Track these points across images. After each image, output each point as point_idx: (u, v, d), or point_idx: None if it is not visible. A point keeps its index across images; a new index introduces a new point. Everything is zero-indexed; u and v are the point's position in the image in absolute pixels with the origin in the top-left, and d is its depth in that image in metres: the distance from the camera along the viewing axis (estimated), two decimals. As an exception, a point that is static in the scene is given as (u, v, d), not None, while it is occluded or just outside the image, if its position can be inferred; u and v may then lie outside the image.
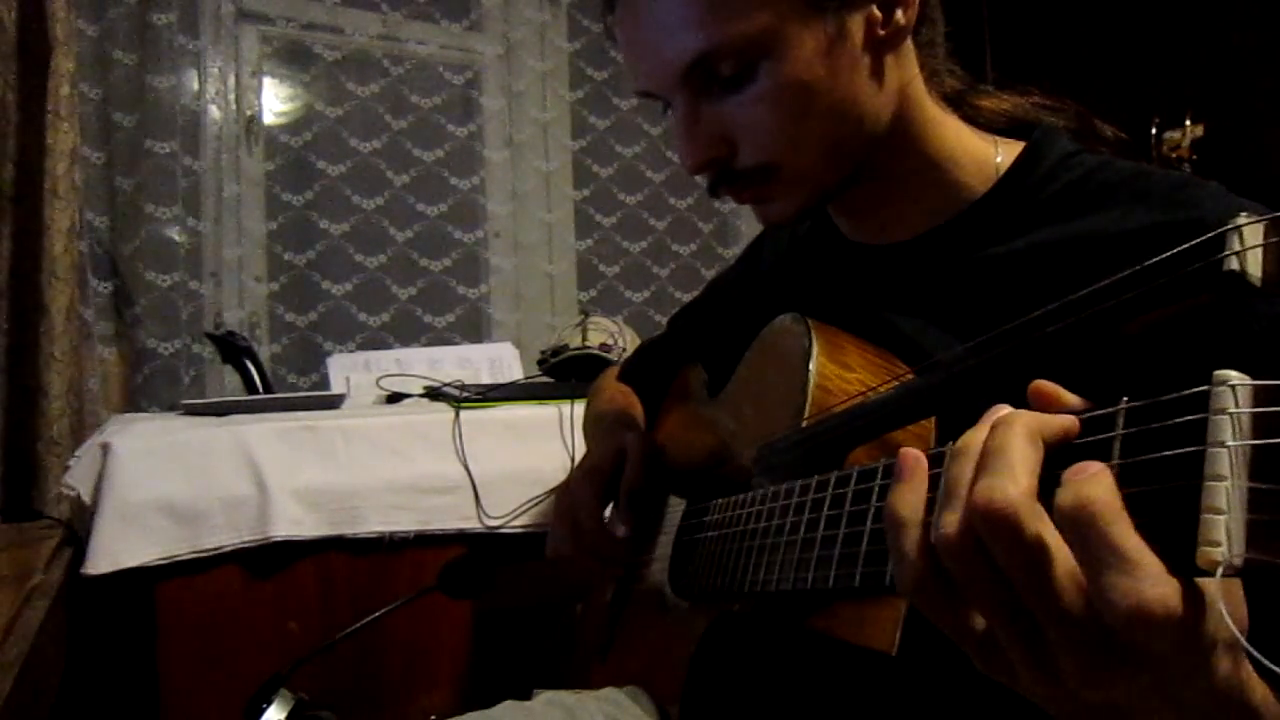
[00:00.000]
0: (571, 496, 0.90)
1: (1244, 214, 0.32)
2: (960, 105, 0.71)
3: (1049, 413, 0.36)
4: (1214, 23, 1.90)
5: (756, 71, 0.60)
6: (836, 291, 0.74)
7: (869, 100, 0.63)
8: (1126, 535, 0.30)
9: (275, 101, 2.07)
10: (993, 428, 0.36)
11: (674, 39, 0.61)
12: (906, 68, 0.65)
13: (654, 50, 0.62)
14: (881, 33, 0.63)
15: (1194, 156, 1.90)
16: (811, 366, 0.62)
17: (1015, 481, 0.33)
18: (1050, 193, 0.63)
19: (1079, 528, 0.31)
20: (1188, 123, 1.92)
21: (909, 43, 0.65)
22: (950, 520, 0.35)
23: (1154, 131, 1.96)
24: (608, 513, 0.93)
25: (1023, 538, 0.33)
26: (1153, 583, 0.29)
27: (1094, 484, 0.31)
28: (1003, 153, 0.67)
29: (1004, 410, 0.37)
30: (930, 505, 0.38)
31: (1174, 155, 1.93)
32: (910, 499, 0.38)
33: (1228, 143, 1.87)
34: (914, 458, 0.39)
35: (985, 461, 0.35)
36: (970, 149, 0.67)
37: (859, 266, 0.73)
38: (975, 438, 0.37)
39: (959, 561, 0.35)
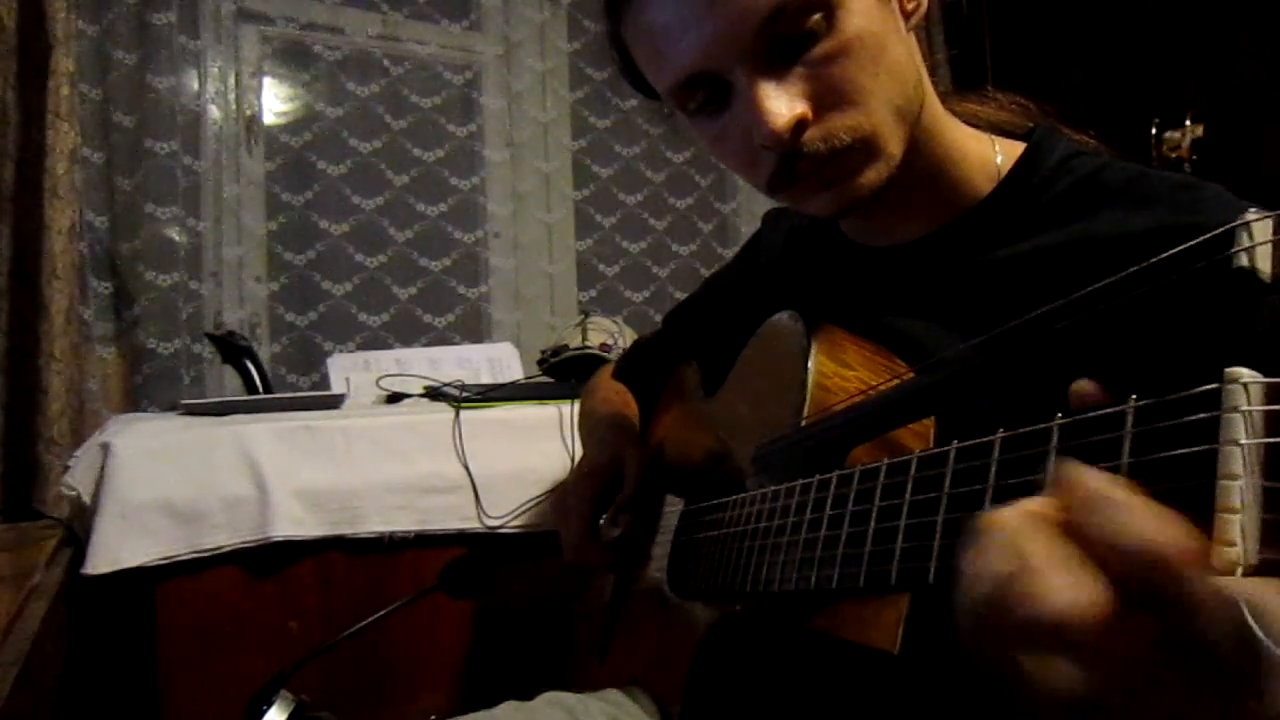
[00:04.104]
0: (569, 502, 0.90)
1: (1252, 210, 0.32)
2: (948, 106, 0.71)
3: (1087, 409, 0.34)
4: (1214, 23, 1.90)
5: (828, 23, 0.57)
6: (839, 293, 0.74)
7: (912, 68, 0.62)
8: (1035, 549, 0.30)
9: (275, 101, 2.07)
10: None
11: None
12: (919, 53, 0.65)
13: (717, 14, 0.57)
14: (909, 6, 0.62)
15: (1194, 156, 1.90)
16: (810, 364, 0.62)
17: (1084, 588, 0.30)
18: (1053, 194, 0.63)
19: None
20: (1188, 123, 1.91)
21: (913, 35, 0.65)
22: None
23: (1154, 131, 1.96)
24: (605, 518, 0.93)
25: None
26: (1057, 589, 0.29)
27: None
28: (1002, 152, 0.67)
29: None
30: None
31: (1174, 155, 1.93)
32: None
33: (1228, 143, 1.87)
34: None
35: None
36: (972, 148, 0.67)
37: (863, 269, 0.73)
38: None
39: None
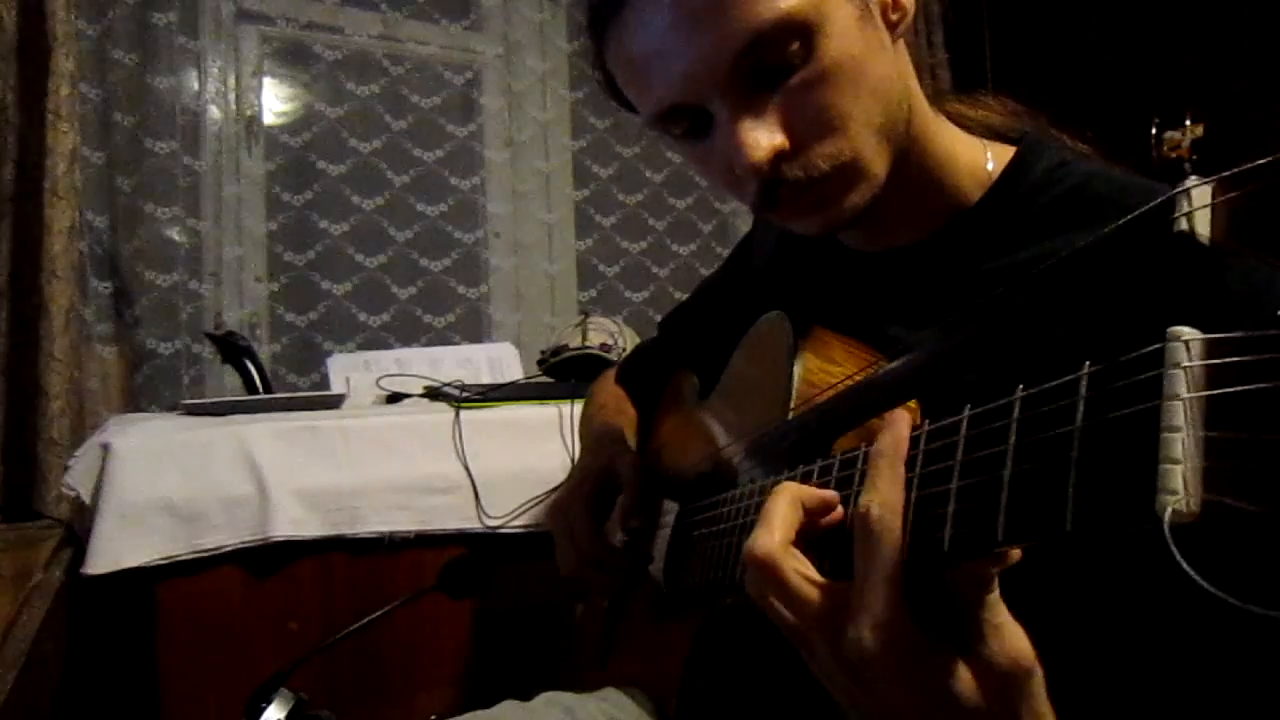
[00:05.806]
0: (565, 513, 0.90)
1: (1193, 177, 0.33)
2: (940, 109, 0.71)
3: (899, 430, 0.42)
4: (1214, 23, 1.90)
5: (806, 51, 0.57)
6: (830, 298, 0.74)
7: (898, 82, 0.62)
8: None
9: (275, 101, 2.07)
10: (772, 494, 0.46)
11: (720, 27, 0.56)
12: (907, 61, 0.65)
13: (694, 46, 0.57)
14: (894, 17, 0.62)
15: (1194, 156, 1.90)
16: (797, 361, 0.63)
17: (771, 534, 0.44)
18: (1042, 204, 0.63)
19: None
20: (1188, 123, 1.91)
21: (901, 41, 0.65)
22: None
23: (1154, 131, 1.96)
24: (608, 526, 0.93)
25: (781, 577, 0.43)
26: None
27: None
28: (993, 157, 0.67)
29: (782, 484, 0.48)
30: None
31: (1174, 155, 1.93)
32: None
33: (1228, 143, 1.87)
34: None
35: (758, 519, 0.45)
36: (963, 153, 0.67)
37: (854, 274, 0.73)
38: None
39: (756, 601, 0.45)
